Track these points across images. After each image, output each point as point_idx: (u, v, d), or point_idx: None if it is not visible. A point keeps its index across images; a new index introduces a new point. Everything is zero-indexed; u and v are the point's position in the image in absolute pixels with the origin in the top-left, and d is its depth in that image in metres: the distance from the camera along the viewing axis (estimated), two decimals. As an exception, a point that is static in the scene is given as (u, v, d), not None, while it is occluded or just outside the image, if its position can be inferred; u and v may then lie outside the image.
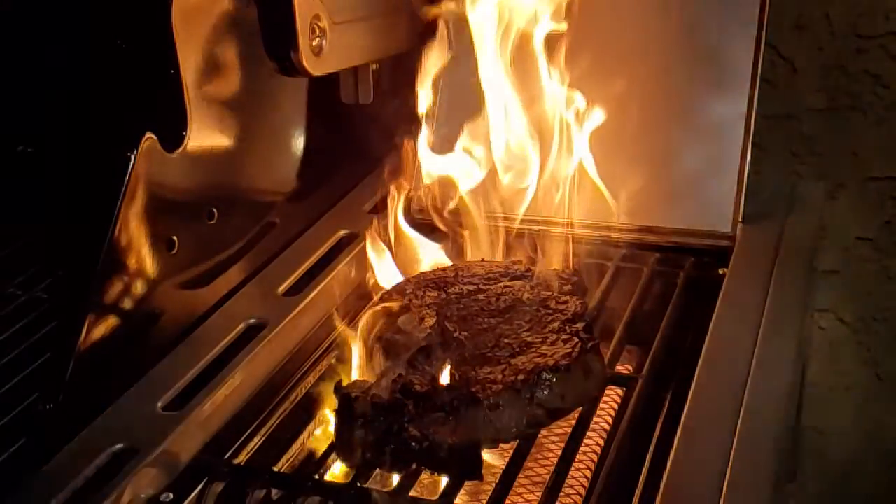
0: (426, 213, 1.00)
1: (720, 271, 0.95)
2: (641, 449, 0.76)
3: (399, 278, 0.92)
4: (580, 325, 0.78)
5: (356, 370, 0.84)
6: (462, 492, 0.73)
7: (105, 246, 0.80)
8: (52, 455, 0.73)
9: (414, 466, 0.71)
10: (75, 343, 0.78)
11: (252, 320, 0.89)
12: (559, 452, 0.74)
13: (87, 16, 0.90)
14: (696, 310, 0.92)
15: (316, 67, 0.99)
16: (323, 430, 0.84)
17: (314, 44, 0.98)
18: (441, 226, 0.99)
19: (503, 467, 0.72)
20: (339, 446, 0.73)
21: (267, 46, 0.97)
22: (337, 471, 0.78)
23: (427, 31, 1.02)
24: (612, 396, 0.87)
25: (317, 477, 0.74)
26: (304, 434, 0.83)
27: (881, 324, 1.33)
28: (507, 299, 0.82)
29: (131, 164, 0.81)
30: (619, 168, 1.02)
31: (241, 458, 0.78)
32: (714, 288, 0.91)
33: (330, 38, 0.99)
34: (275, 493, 0.73)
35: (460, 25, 0.99)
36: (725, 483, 0.67)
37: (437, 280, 0.86)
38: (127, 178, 0.81)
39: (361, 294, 0.97)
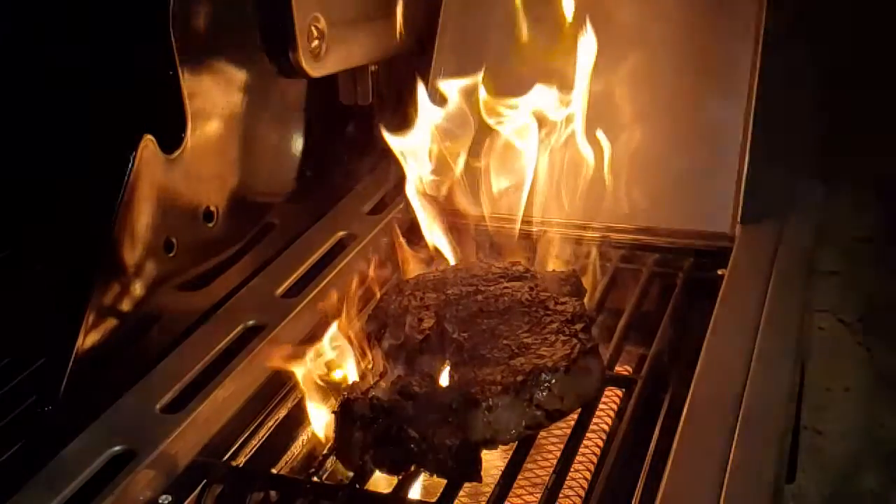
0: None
1: (719, 272, 0.95)
2: (641, 449, 0.76)
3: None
4: (579, 327, 0.78)
5: (355, 371, 0.83)
6: (461, 493, 0.73)
7: (104, 247, 0.80)
8: (50, 457, 0.73)
9: (413, 468, 0.71)
10: (74, 345, 0.78)
11: (251, 322, 0.89)
12: (559, 453, 0.74)
13: (87, 16, 0.90)
14: (696, 310, 0.92)
15: (315, 69, 0.99)
16: (322, 431, 0.83)
17: (313, 45, 0.98)
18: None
19: (502, 468, 0.72)
20: (339, 448, 0.73)
21: (266, 48, 0.97)
22: (336, 473, 0.78)
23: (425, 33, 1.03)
24: (611, 397, 0.87)
25: (316, 479, 0.74)
26: (303, 436, 0.83)
27: (881, 324, 1.33)
28: (506, 300, 0.82)
29: (130, 165, 0.81)
30: (619, 169, 1.02)
31: (240, 460, 0.78)
32: (713, 288, 0.91)
33: (329, 40, 1.00)
34: (273, 495, 0.73)
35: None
36: (725, 483, 0.67)
37: (436, 281, 0.86)
38: (126, 179, 0.81)
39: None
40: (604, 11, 0.99)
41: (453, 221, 0.98)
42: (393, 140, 0.96)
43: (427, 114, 0.97)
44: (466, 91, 0.97)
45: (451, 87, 0.98)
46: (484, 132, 0.99)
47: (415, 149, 0.96)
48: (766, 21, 1.02)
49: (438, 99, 0.99)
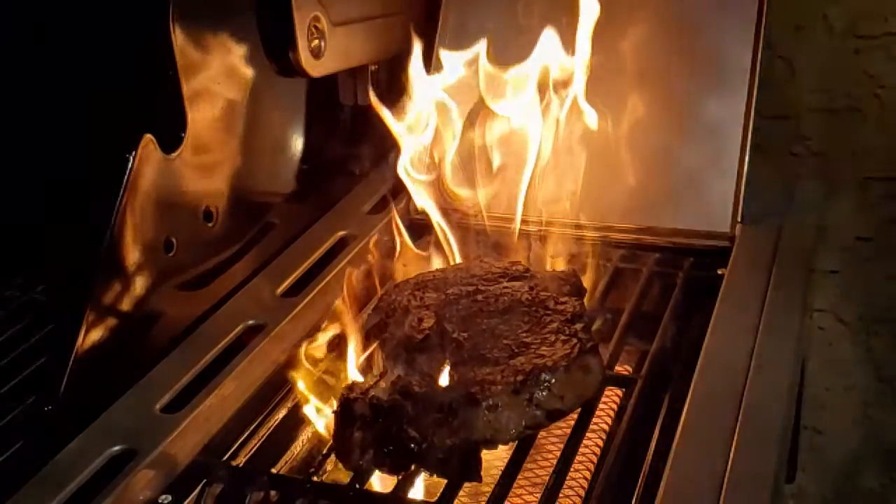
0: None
1: (719, 271, 0.95)
2: (641, 449, 0.76)
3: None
4: (579, 326, 0.78)
5: (355, 371, 0.83)
6: (461, 493, 0.73)
7: (103, 247, 0.80)
8: (50, 457, 0.73)
9: (413, 468, 0.71)
10: (74, 345, 0.78)
11: (251, 321, 0.89)
12: (559, 453, 0.74)
13: (87, 16, 0.90)
14: (696, 310, 0.92)
15: (315, 68, 0.99)
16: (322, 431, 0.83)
17: (313, 45, 0.98)
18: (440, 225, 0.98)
19: (502, 468, 0.72)
20: (338, 448, 0.73)
21: (266, 47, 0.97)
22: (336, 473, 0.78)
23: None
24: (611, 397, 0.87)
25: (315, 479, 0.74)
26: (303, 435, 0.83)
27: (881, 324, 1.33)
28: (506, 300, 0.82)
29: (130, 165, 0.81)
30: (619, 168, 1.02)
31: (240, 460, 0.78)
32: (713, 288, 0.91)
33: (329, 40, 1.00)
34: (273, 494, 0.73)
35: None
36: (725, 483, 0.67)
37: (436, 280, 0.86)
38: (125, 179, 0.81)
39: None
40: (602, 12, 0.99)
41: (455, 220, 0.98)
42: (386, 113, 0.95)
43: (424, 87, 0.96)
44: (468, 66, 0.96)
45: (452, 62, 0.97)
46: (483, 115, 0.98)
47: (410, 124, 0.95)
48: (766, 20, 1.02)
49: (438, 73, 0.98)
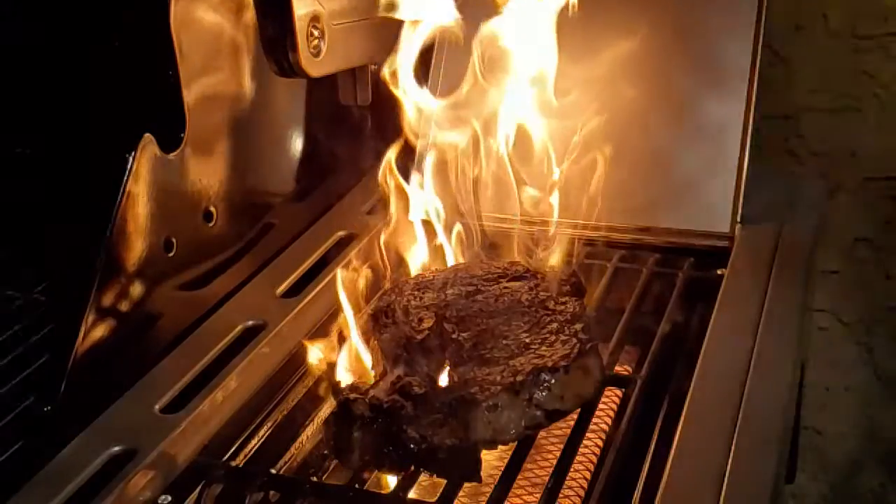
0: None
1: (719, 272, 0.95)
2: (641, 449, 0.76)
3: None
4: (579, 326, 0.78)
5: (355, 371, 0.83)
6: (461, 493, 0.73)
7: (103, 247, 0.80)
8: (50, 457, 0.73)
9: (412, 468, 0.71)
10: (73, 345, 0.78)
11: (251, 322, 0.89)
12: (559, 453, 0.74)
13: (86, 16, 0.90)
14: (695, 310, 0.92)
15: (314, 69, 0.99)
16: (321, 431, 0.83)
17: (313, 45, 0.98)
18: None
19: (502, 468, 0.72)
20: (338, 448, 0.73)
21: (266, 48, 0.97)
22: (336, 473, 0.78)
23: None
24: (611, 397, 0.87)
25: (315, 479, 0.74)
26: (303, 436, 0.83)
27: (881, 324, 1.33)
28: (506, 300, 0.82)
29: (129, 165, 0.81)
30: (619, 168, 1.02)
31: (240, 461, 0.78)
32: (713, 288, 0.91)
33: (328, 40, 1.00)
34: (273, 495, 0.73)
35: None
36: (725, 483, 0.67)
37: (436, 281, 0.86)
38: (125, 179, 0.81)
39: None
40: (601, 11, 0.99)
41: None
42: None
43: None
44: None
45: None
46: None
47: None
48: (765, 21, 1.02)
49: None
